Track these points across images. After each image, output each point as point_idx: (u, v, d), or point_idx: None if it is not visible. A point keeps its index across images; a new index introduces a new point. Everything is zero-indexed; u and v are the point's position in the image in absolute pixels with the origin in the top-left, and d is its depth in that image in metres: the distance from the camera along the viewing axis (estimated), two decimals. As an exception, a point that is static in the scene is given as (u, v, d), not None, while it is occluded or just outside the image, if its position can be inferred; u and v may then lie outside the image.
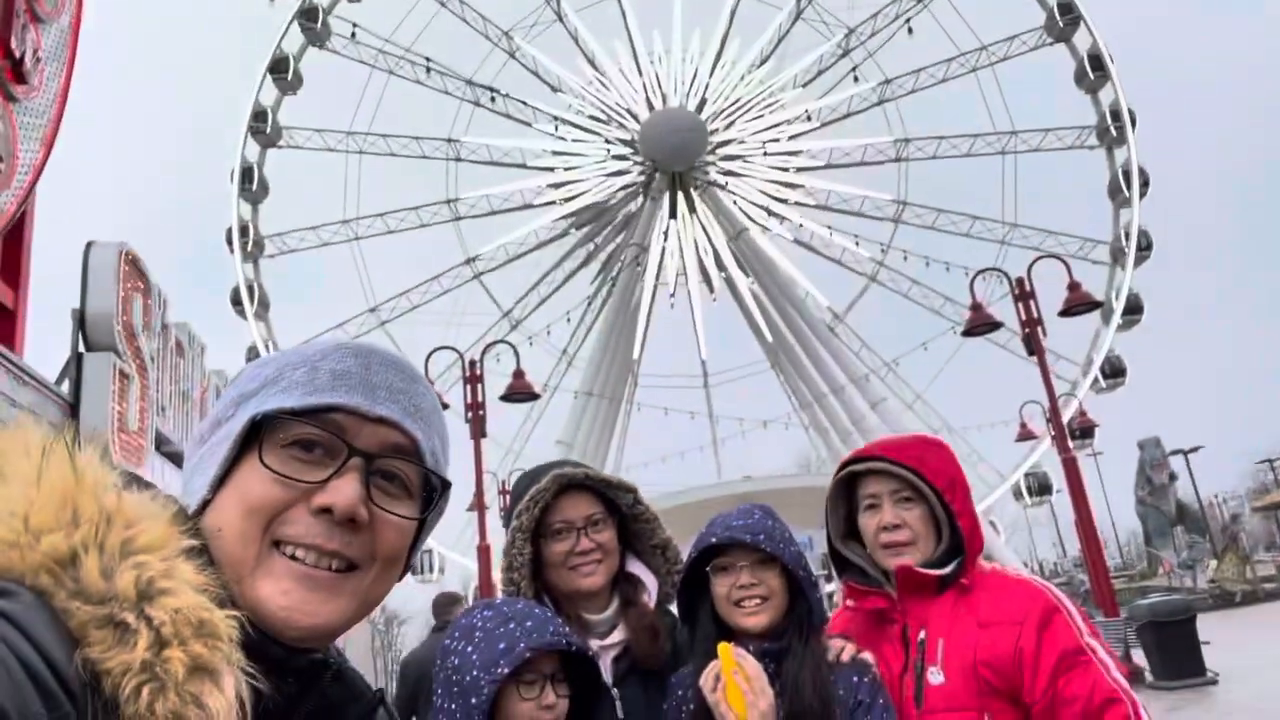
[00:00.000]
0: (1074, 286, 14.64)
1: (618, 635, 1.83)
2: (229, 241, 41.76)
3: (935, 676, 1.68)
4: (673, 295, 47.67)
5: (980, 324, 14.69)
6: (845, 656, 1.70)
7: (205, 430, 0.85)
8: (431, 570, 42.60)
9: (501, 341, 15.16)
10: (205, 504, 0.80)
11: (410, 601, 66.03)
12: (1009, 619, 1.67)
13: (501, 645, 1.56)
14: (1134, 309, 42.99)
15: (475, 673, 1.56)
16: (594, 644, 1.80)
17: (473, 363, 14.75)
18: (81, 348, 11.62)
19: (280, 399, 0.79)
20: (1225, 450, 55.07)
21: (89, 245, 11.97)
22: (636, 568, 1.89)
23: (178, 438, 14.51)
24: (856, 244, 45.65)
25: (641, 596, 1.88)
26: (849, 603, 1.85)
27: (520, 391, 14.26)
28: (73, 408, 11.15)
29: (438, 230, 45.39)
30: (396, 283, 45.76)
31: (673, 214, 46.13)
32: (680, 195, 45.77)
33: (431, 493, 0.84)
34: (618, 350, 43.16)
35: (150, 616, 0.63)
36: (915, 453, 1.83)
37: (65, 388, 11.39)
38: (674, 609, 1.85)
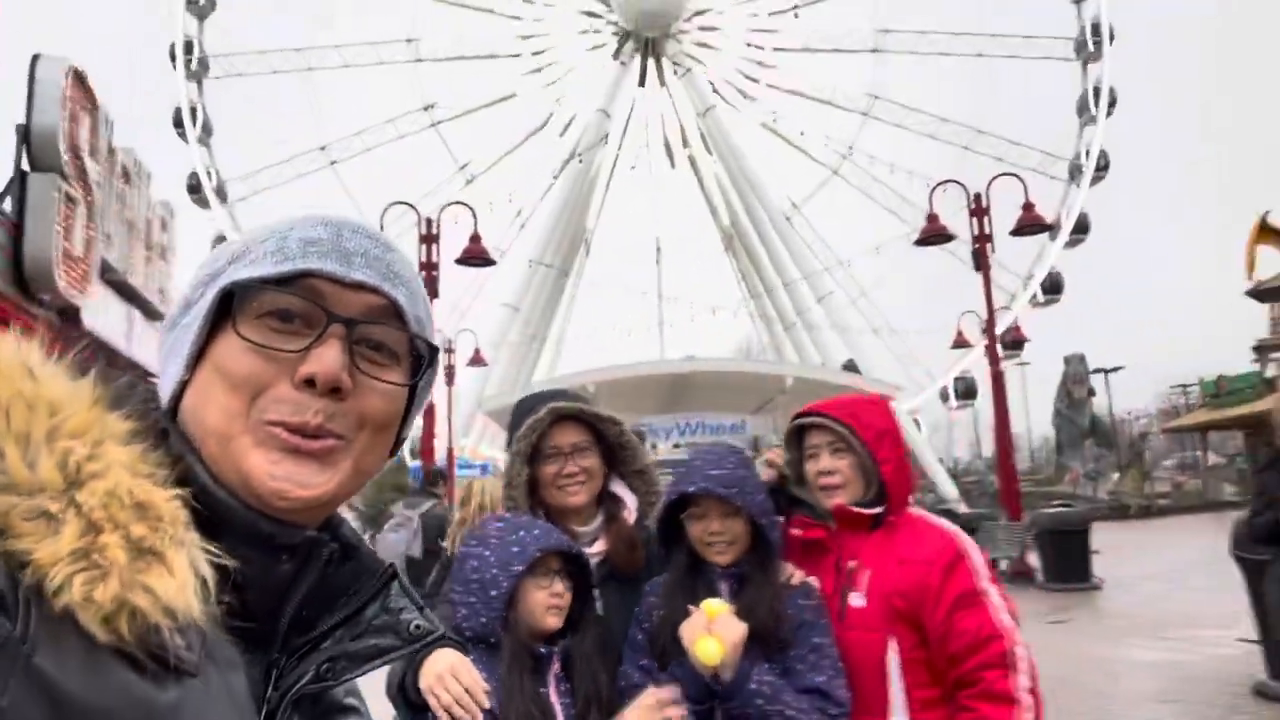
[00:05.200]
0: (1028, 207, 14.93)
1: (599, 546, 2.08)
2: (172, 57, 39.49)
3: (857, 600, 1.97)
4: (633, 167, 46.96)
5: (933, 234, 14.97)
6: (795, 581, 1.98)
7: (175, 315, 0.81)
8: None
9: (460, 203, 14.94)
10: (184, 385, 0.76)
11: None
12: (922, 559, 1.96)
13: (515, 548, 1.82)
14: (1081, 228, 43.84)
15: (494, 571, 1.81)
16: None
17: (429, 220, 14.58)
18: (26, 166, 11.18)
19: (250, 270, 0.76)
20: (1144, 372, 57.58)
21: (35, 58, 11.34)
22: (619, 488, 2.12)
23: (123, 267, 14.20)
24: (825, 138, 45.16)
25: (622, 513, 2.11)
26: (795, 531, 2.11)
27: (476, 256, 14.20)
28: (17, 228, 10.83)
29: (396, 71, 43.48)
30: (349, 122, 44.08)
31: (641, 82, 44.84)
32: (651, 64, 44.43)
33: (419, 359, 0.81)
34: (571, 218, 42.69)
35: (79, 502, 0.60)
36: (849, 410, 2.08)
37: (8, 206, 11.03)
38: (651, 526, 2.09)
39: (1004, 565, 14.69)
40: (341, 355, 0.73)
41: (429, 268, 14.34)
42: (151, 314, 16.76)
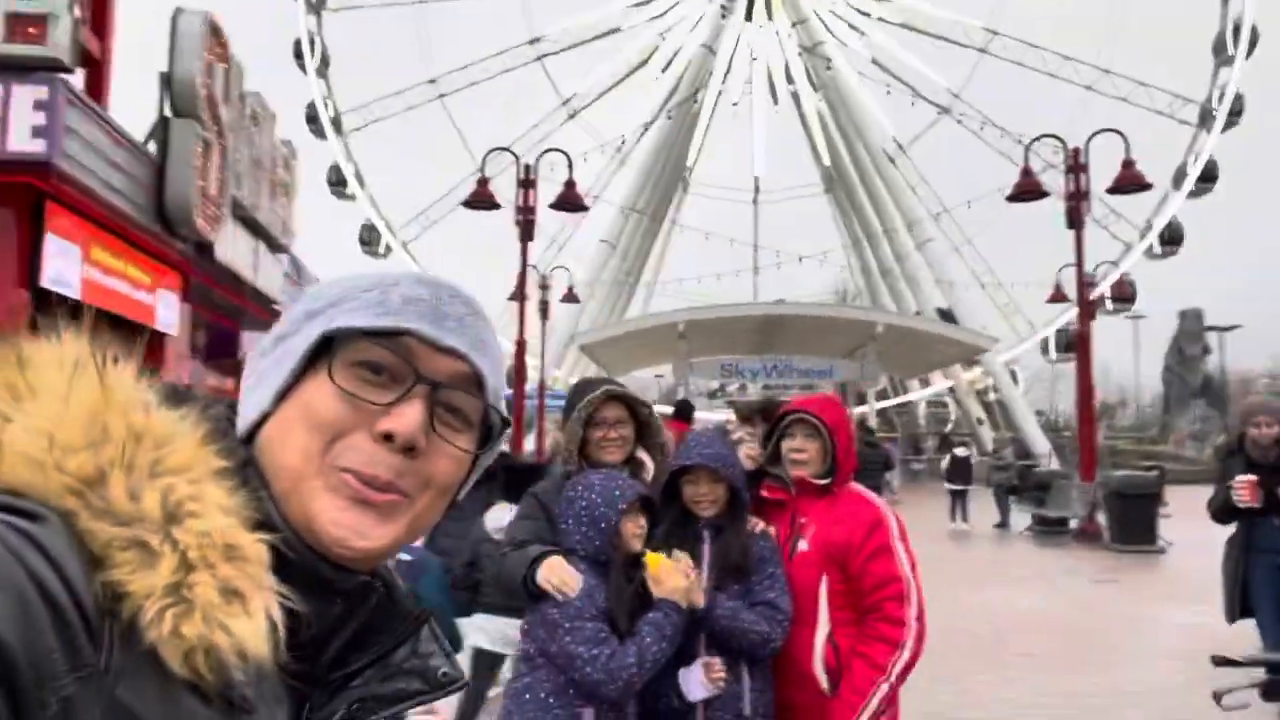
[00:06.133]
0: (1128, 164, 14.57)
1: None
2: (292, -11, 41.02)
3: (802, 545, 2.66)
4: (735, 105, 46.59)
5: (1026, 191, 14.87)
6: (758, 530, 2.66)
7: (267, 345, 0.83)
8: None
9: (556, 150, 15.61)
10: (265, 416, 0.79)
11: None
12: (852, 519, 2.63)
13: (617, 493, 2.53)
14: (1208, 177, 41.52)
15: (602, 509, 2.50)
16: None
17: (527, 167, 15.31)
18: (168, 111, 12.36)
19: (350, 317, 0.78)
20: (1263, 333, 54.56)
21: (177, 11, 12.40)
22: (642, 454, 2.86)
23: (250, 204, 15.49)
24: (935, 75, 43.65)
25: (641, 473, 2.83)
26: (765, 493, 2.79)
27: (570, 202, 14.89)
28: (160, 169, 12.05)
29: (504, 5, 44.06)
30: (458, 55, 45.03)
31: (749, 16, 44.23)
32: (759, -2, 43.63)
33: (490, 428, 0.84)
34: (671, 156, 42.86)
35: (176, 539, 0.62)
36: (818, 407, 2.71)
37: (152, 148, 12.24)
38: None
39: (1073, 524, 14.89)
40: (423, 416, 0.76)
41: (525, 211, 15.11)
42: (275, 246, 18.16)
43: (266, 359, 0.83)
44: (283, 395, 0.79)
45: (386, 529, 0.77)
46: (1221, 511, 4.80)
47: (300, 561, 0.74)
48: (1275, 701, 2.47)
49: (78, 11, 10.18)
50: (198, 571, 0.63)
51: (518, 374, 17.59)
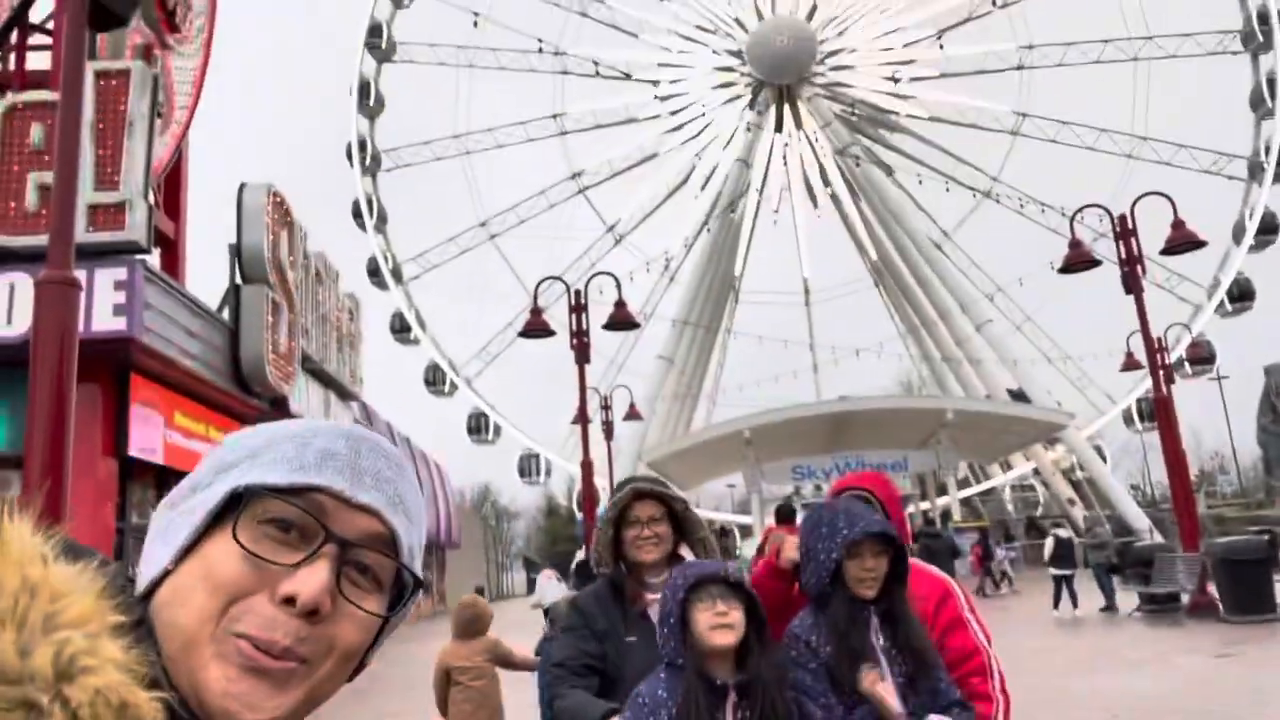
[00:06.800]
0: (1178, 224, 14.41)
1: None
2: (349, 156, 43.74)
3: None
4: (776, 211, 47.55)
5: (1076, 262, 14.74)
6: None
7: (177, 496, 0.81)
8: (538, 474, 45.17)
9: (604, 273, 16.07)
10: (165, 574, 0.75)
11: (517, 499, 70.00)
12: (920, 595, 2.55)
13: (679, 579, 2.25)
14: (1269, 229, 40.62)
15: (668, 599, 2.24)
16: (649, 597, 2.66)
17: (577, 292, 15.75)
18: (238, 279, 13.17)
19: (263, 472, 0.76)
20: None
21: (242, 186, 13.37)
22: (685, 551, 2.75)
23: (319, 356, 16.19)
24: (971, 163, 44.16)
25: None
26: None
27: (622, 321, 15.22)
28: (233, 334, 12.74)
29: (544, 147, 46.27)
30: (505, 197, 47.15)
31: (779, 128, 45.61)
32: (788, 108, 45.12)
33: (403, 590, 0.81)
34: (719, 268, 43.62)
35: (66, 697, 0.60)
36: (869, 482, 2.70)
37: (225, 315, 12.98)
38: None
39: (1184, 599, 14.04)
40: (328, 578, 0.74)
41: (579, 335, 15.46)
42: (345, 395, 18.78)
43: (175, 510, 0.80)
44: (186, 552, 0.76)
45: (280, 699, 0.72)
46: None
47: None
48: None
49: (152, 197, 11.04)
50: None
51: (587, 498, 17.60)
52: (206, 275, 13.76)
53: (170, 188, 13.26)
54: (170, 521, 0.78)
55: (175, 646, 0.71)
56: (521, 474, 44.63)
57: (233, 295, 13.03)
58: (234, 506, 0.75)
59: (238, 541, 0.73)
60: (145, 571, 0.77)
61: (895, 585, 2.36)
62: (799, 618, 2.46)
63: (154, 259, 11.67)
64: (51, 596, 0.63)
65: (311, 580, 0.72)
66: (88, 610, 0.64)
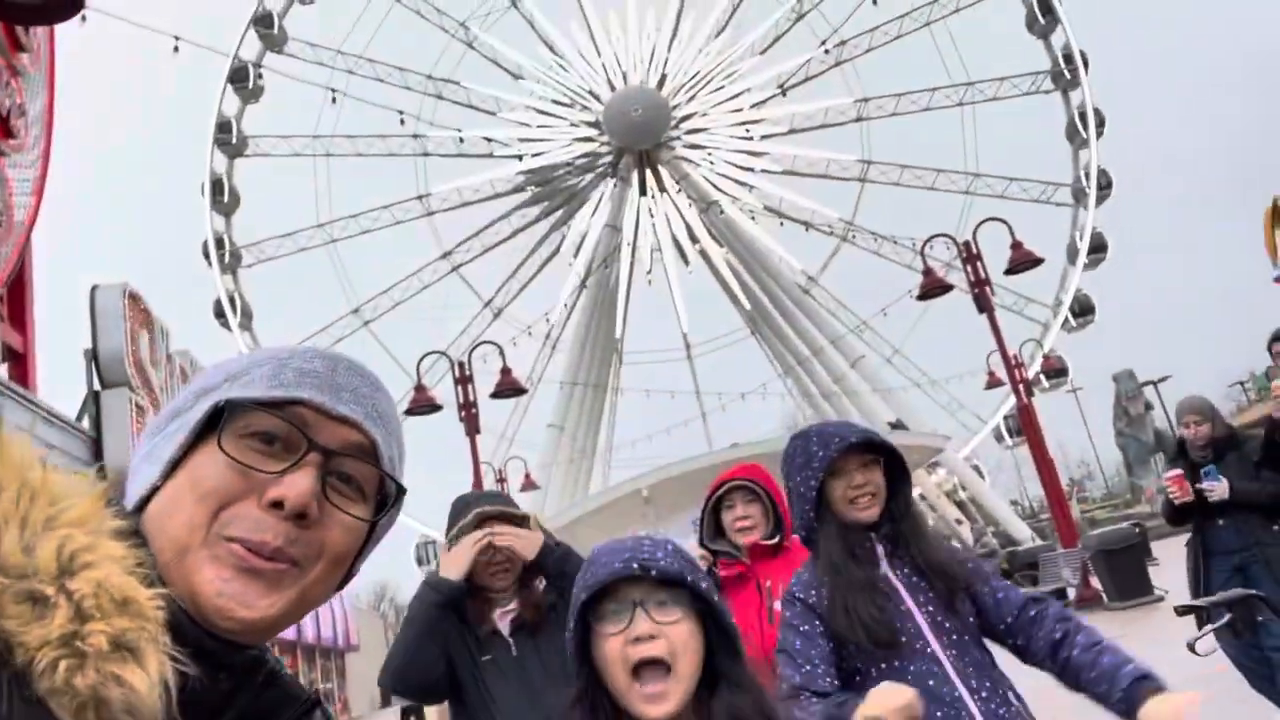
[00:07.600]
0: (1016, 245, 15.62)
1: (513, 606, 2.62)
2: (205, 255, 42.28)
3: (776, 606, 2.68)
4: (649, 272, 48.56)
5: (932, 288, 15.69)
6: None
7: (161, 422, 0.83)
8: (435, 560, 43.70)
9: (487, 342, 16.05)
10: (154, 490, 0.78)
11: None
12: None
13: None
14: (1098, 247, 44.10)
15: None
16: (498, 610, 2.62)
17: (461, 364, 15.66)
18: (97, 385, 12.46)
19: (244, 390, 0.79)
20: (1199, 376, 56.50)
21: (94, 289, 12.76)
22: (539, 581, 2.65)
23: (190, 459, 15.41)
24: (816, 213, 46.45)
25: (534, 582, 2.66)
26: (723, 572, 2.84)
27: (509, 388, 15.20)
28: (96, 442, 12.01)
29: (412, 227, 46.02)
30: (376, 282, 46.45)
31: (643, 191, 46.86)
32: (649, 172, 46.49)
33: (386, 498, 0.83)
34: (599, 331, 44.07)
35: (70, 590, 0.62)
36: (749, 473, 2.85)
37: (85, 424, 12.24)
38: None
39: (1071, 594, 14.79)
40: (314, 483, 0.76)
41: (467, 406, 15.31)
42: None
43: (158, 435, 0.81)
44: (173, 468, 0.78)
45: (273, 599, 0.75)
46: (1170, 514, 4.93)
47: (186, 631, 0.71)
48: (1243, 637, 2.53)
49: (-3, 308, 10.43)
50: (93, 621, 0.62)
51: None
52: (65, 384, 13.02)
53: (14, 297, 12.53)
54: (155, 445, 0.81)
55: (169, 554, 0.74)
56: (419, 562, 43.13)
57: (92, 402, 12.32)
58: (217, 423, 0.78)
59: (224, 451, 0.76)
60: (134, 489, 0.79)
61: (897, 503, 2.01)
62: (795, 574, 2.11)
63: (1, 372, 10.98)
64: (51, 500, 0.66)
65: (298, 484, 0.75)
66: (87, 512, 0.67)
